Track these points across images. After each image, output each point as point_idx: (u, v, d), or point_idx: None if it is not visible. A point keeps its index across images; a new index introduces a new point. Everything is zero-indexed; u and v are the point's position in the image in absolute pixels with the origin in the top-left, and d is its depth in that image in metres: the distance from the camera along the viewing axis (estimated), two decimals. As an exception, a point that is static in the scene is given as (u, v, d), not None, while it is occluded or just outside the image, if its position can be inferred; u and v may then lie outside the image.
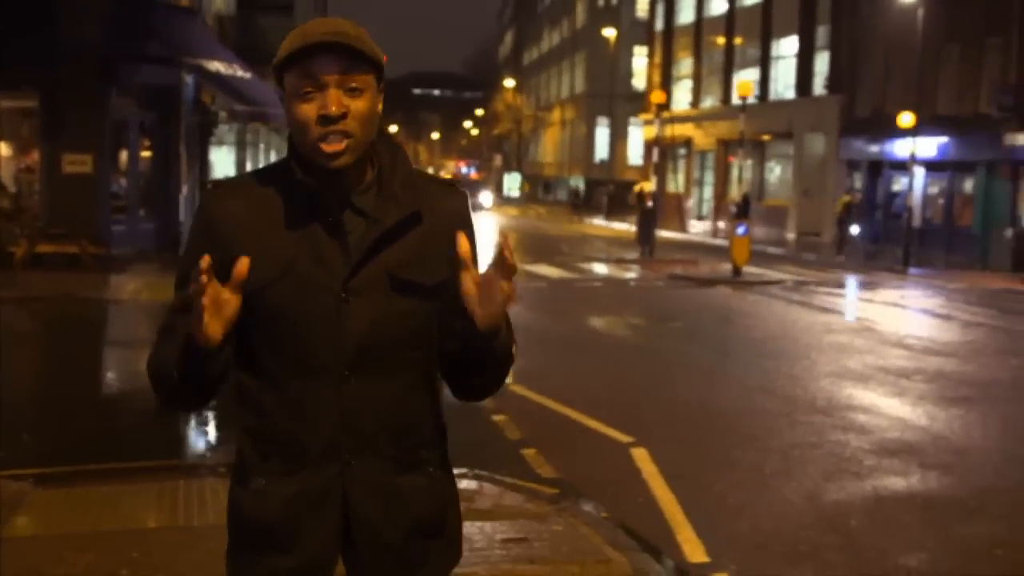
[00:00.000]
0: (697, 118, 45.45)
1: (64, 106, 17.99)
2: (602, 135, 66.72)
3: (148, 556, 4.86)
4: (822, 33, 36.52)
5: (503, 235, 1.97)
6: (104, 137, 18.75)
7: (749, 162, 37.99)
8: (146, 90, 20.09)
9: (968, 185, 29.45)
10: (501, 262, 1.93)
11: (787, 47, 39.18)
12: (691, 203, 45.66)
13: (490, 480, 6.28)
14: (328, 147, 2.00)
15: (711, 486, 6.79)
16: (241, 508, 2.14)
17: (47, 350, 12.04)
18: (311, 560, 2.11)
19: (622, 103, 60.91)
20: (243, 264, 1.94)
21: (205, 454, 7.36)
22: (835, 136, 35.26)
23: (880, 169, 33.30)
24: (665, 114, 44.47)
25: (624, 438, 7.78)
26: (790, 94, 38.72)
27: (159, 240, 20.08)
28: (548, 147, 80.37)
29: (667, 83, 48.43)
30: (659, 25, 50.28)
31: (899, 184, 32.05)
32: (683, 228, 40.97)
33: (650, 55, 51.89)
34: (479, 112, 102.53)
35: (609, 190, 53.62)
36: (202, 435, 7.76)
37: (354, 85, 2.01)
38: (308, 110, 2.00)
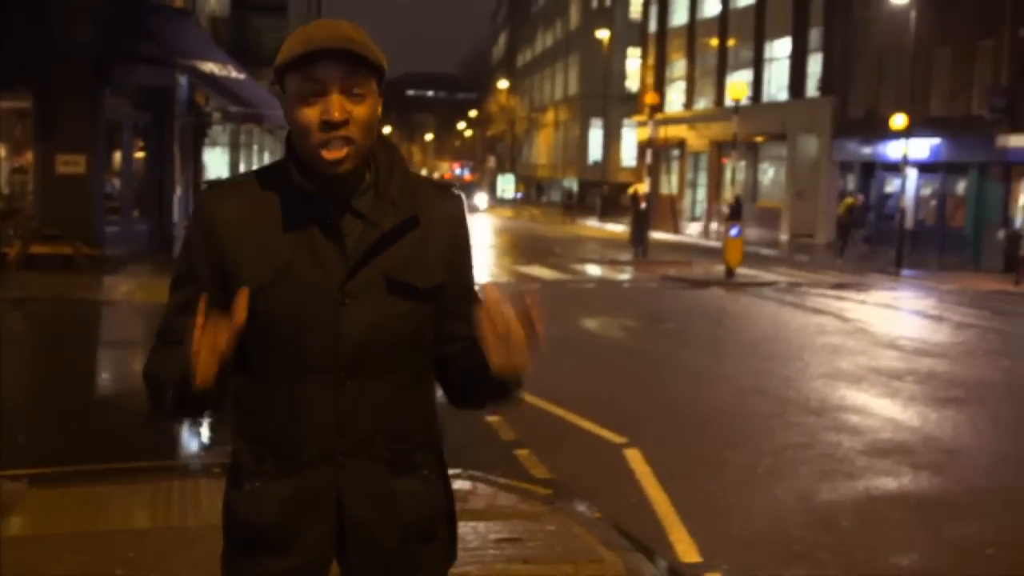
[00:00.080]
0: (690, 120, 45.51)
1: (58, 107, 17.97)
2: (595, 136, 66.73)
3: (143, 556, 4.88)
4: (815, 35, 36.61)
5: (531, 296, 1.93)
6: (98, 138, 18.74)
7: (742, 164, 38.10)
8: (140, 91, 20.06)
9: (960, 187, 29.55)
10: (528, 328, 1.91)
11: (780, 49, 39.25)
12: (684, 204, 45.73)
13: (484, 480, 6.31)
14: (330, 154, 1.99)
15: (704, 486, 6.82)
16: (236, 510, 2.14)
17: (41, 351, 12.03)
18: (306, 562, 2.11)
19: (616, 104, 60.95)
20: (243, 298, 1.92)
21: (199, 455, 7.37)
22: (828, 138, 35.34)
23: (873, 171, 33.39)
24: (658, 115, 44.53)
25: (617, 439, 7.81)
26: (783, 96, 38.80)
27: (152, 241, 20.07)
28: (542, 148, 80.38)
29: (660, 85, 48.50)
30: (652, 27, 50.35)
31: (892, 186, 32.14)
32: (676, 230, 41.02)
33: (643, 57, 51.94)
34: (473, 113, 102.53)
35: (603, 191, 53.67)
36: (196, 436, 7.77)
37: (357, 91, 2.00)
38: (310, 114, 1.99)
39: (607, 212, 49.25)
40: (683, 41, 46.74)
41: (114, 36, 18.13)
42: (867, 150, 32.94)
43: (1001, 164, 26.99)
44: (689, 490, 6.63)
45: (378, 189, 2.10)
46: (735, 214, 23.50)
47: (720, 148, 41.71)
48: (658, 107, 44.46)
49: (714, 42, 43.34)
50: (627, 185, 43.56)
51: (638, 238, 27.73)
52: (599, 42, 57.05)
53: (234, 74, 20.80)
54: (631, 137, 59.64)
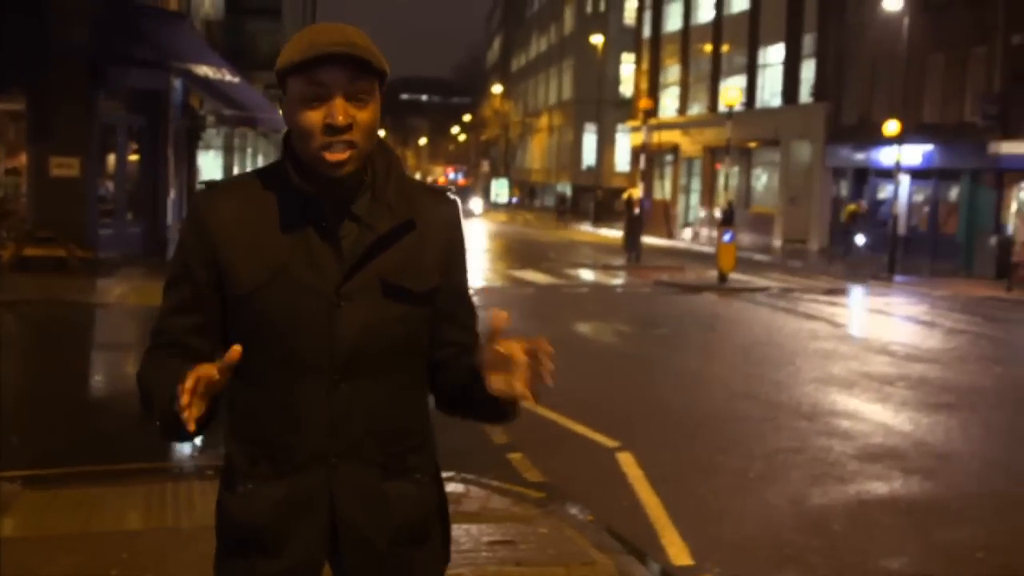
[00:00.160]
0: (684, 125, 45.59)
1: (52, 109, 17.96)
2: (589, 141, 66.83)
3: (137, 557, 4.89)
4: (809, 41, 36.69)
5: (542, 344, 1.89)
6: (92, 140, 18.72)
7: (736, 169, 38.17)
8: (134, 94, 20.07)
9: (953, 193, 29.63)
10: (535, 368, 1.88)
11: (774, 55, 39.35)
12: (678, 210, 45.80)
13: (477, 483, 6.33)
14: (332, 157, 1.99)
15: (696, 490, 6.85)
16: (229, 512, 2.14)
17: (34, 353, 12.02)
18: (299, 564, 2.11)
19: (610, 110, 61.03)
20: (235, 352, 1.86)
21: (193, 457, 7.37)
22: (821, 144, 35.43)
23: (866, 177, 33.47)
24: (652, 121, 44.64)
25: (610, 442, 7.83)
26: (776, 102, 38.89)
27: (146, 244, 20.05)
28: (536, 153, 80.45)
29: (654, 90, 48.58)
30: (647, 32, 50.42)
31: (884, 192, 32.23)
32: (670, 235, 41.09)
33: (637, 62, 52.03)
34: (467, 118, 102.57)
35: (596, 196, 53.73)
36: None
37: (360, 95, 2.00)
38: (313, 118, 1.98)
39: (601, 217, 49.30)
40: (677, 47, 46.82)
41: (109, 39, 18.13)
42: (860, 156, 33.03)
43: (993, 171, 27.08)
44: (681, 494, 6.66)
45: (375, 192, 2.11)
46: (728, 220, 23.54)
47: (713, 154, 41.77)
48: (652, 112, 44.56)
49: (708, 48, 43.43)
50: (621, 190, 43.62)
51: (631, 243, 27.78)
52: (593, 47, 57.16)
53: (228, 77, 20.80)
54: (625, 142, 59.80)
